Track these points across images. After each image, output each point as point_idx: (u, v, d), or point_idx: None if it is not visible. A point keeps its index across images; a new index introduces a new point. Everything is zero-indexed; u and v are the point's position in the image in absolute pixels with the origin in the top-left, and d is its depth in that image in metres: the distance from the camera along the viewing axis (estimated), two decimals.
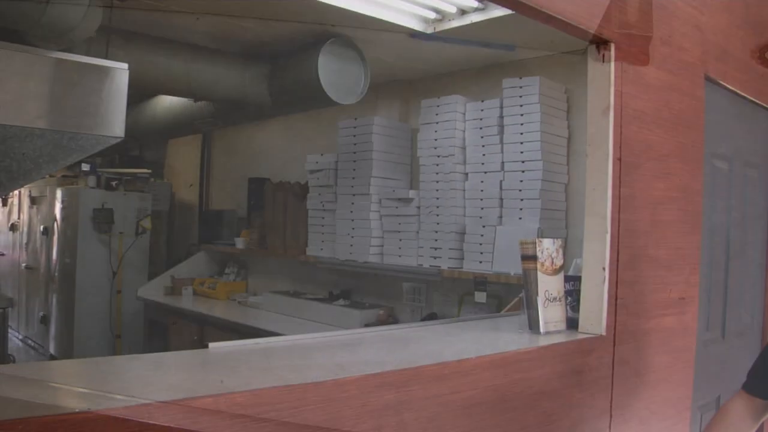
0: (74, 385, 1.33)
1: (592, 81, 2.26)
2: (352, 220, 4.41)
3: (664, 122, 2.45)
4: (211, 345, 1.67)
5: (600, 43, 2.23)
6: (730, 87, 2.94)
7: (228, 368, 1.42)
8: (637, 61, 2.32)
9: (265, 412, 1.24)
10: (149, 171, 7.00)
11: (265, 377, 1.32)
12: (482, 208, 3.79)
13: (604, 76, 2.23)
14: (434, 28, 3.46)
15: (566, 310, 2.26)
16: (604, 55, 2.22)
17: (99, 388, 1.26)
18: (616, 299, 2.21)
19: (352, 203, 4.42)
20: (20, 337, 7.56)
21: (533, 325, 2.19)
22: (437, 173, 3.98)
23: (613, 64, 2.21)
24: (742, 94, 3.04)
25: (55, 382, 1.28)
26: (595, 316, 2.21)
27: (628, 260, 2.27)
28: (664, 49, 2.46)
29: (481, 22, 3.28)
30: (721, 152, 2.95)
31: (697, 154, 2.67)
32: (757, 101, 3.18)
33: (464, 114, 3.94)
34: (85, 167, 6.46)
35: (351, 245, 4.41)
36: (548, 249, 2.25)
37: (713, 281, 2.90)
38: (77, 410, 1.04)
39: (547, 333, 2.16)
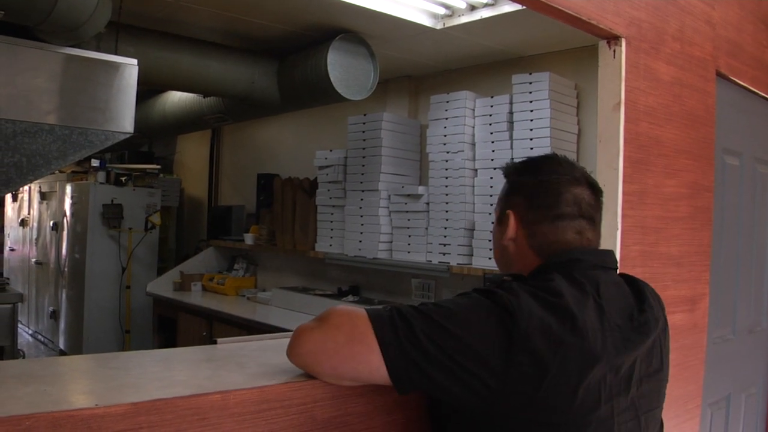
0: (82, 381, 1.33)
1: (602, 77, 2.25)
2: (361, 216, 4.41)
3: (674, 118, 2.43)
4: (219, 341, 1.67)
5: (610, 38, 2.22)
6: (742, 83, 2.91)
7: (236, 364, 1.41)
8: (647, 57, 2.30)
9: (274, 408, 1.23)
10: (158, 167, 7.02)
11: (274, 374, 1.32)
12: (491, 204, 3.77)
13: (615, 72, 2.21)
14: (444, 24, 3.45)
15: None
16: (614, 51, 2.21)
17: (107, 383, 1.26)
18: None
19: (361, 199, 4.41)
20: (30, 332, 7.61)
21: None
22: (446, 169, 3.97)
23: (623, 59, 2.20)
24: (754, 89, 3.02)
25: (63, 378, 1.28)
26: None
27: (638, 257, 2.26)
28: (675, 44, 2.44)
29: (492, 18, 3.27)
30: (732, 148, 2.93)
31: (708, 150, 2.65)
32: None
33: (473, 110, 3.93)
34: (95, 163, 6.49)
35: (360, 241, 4.41)
36: None
37: (724, 278, 2.88)
38: (85, 406, 1.04)
39: None
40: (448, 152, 3.97)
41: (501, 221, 1.48)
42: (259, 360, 1.46)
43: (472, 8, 3.31)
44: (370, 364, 1.22)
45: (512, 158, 3.69)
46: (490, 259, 3.72)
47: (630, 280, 1.44)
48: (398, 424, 1.43)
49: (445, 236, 3.96)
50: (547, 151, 3.52)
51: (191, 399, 1.14)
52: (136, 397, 1.10)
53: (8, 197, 8.34)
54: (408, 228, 4.21)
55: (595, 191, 1.46)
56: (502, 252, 1.51)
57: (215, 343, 1.65)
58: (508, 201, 1.48)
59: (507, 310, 1.21)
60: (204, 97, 5.02)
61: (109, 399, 1.09)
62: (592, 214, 1.45)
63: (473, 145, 3.92)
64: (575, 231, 1.42)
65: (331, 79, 3.78)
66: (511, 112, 3.75)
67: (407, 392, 1.26)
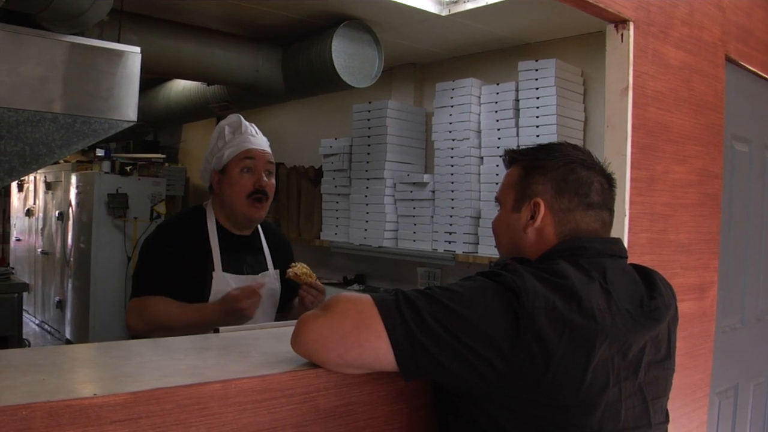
0: (82, 370, 1.32)
1: (610, 61, 2.22)
2: (367, 205, 4.39)
3: (683, 103, 2.40)
4: (221, 329, 1.65)
5: (618, 22, 2.19)
6: (751, 68, 2.88)
7: (238, 353, 1.40)
8: (656, 41, 2.27)
9: (276, 398, 1.22)
10: (163, 156, 7.00)
11: (276, 362, 1.30)
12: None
13: (623, 57, 2.18)
14: (449, 11, 3.41)
15: None
16: (622, 35, 2.18)
17: (107, 372, 1.25)
18: None
19: (367, 187, 4.39)
20: (36, 321, 7.62)
21: None
22: (452, 157, 3.95)
23: (631, 43, 2.17)
24: (763, 75, 2.98)
25: (62, 367, 1.27)
26: None
27: (646, 244, 2.23)
28: (684, 28, 2.41)
29: (497, 4, 3.23)
30: (741, 134, 2.90)
31: (717, 136, 2.62)
32: None
33: (479, 97, 3.89)
34: (100, 153, 6.48)
35: (365, 230, 4.39)
36: None
37: (733, 266, 2.86)
38: (83, 396, 1.02)
39: None
40: (453, 140, 3.94)
41: (521, 208, 1.44)
42: (261, 349, 1.44)
43: None
44: (378, 350, 1.20)
45: (518, 145, 3.66)
46: (496, 247, 3.70)
47: (641, 270, 1.42)
48: (402, 413, 1.42)
49: (450, 224, 3.94)
50: (553, 138, 3.50)
51: (192, 388, 1.12)
52: (135, 387, 1.09)
53: (14, 187, 8.34)
54: (413, 216, 4.18)
55: (610, 181, 1.44)
56: (518, 239, 1.48)
57: (217, 331, 1.64)
58: (530, 187, 1.43)
59: (512, 291, 1.20)
60: (208, 86, 5.00)
61: (108, 388, 1.08)
62: (611, 204, 1.44)
63: (479, 132, 3.89)
64: (601, 221, 1.41)
65: (336, 66, 3.75)
66: (517, 100, 3.72)
67: (413, 378, 1.24)
